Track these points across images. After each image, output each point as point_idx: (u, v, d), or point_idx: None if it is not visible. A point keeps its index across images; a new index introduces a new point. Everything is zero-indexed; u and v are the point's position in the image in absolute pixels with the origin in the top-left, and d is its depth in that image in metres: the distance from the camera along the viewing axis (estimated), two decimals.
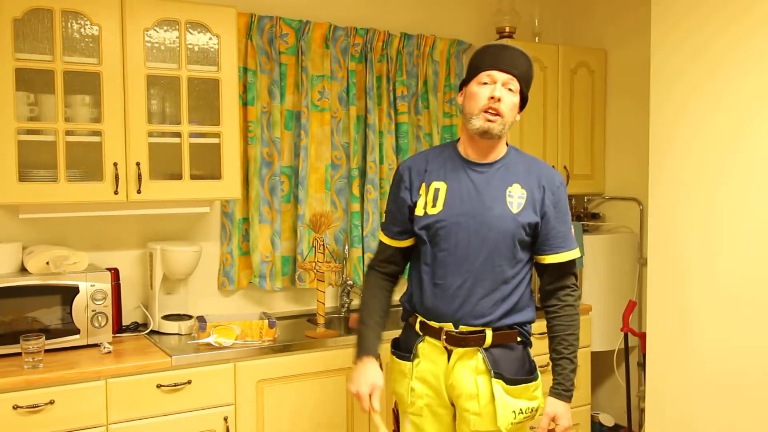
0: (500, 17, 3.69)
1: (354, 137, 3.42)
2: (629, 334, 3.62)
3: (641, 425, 3.60)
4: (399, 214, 2.25)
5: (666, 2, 2.81)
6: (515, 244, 2.13)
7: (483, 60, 2.12)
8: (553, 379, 2.18)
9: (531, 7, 3.91)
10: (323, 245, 3.01)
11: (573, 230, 2.23)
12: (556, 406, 2.15)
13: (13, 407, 2.32)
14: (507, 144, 2.23)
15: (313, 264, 2.98)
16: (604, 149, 3.95)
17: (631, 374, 3.79)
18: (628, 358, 3.68)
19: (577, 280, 2.24)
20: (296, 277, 3.33)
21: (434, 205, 2.16)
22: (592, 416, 3.70)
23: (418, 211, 2.19)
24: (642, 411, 3.64)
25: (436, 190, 2.17)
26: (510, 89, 2.10)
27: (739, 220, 2.61)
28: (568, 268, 2.21)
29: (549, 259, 2.19)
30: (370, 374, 2.15)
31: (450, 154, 2.22)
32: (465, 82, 2.18)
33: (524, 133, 3.62)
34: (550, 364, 2.22)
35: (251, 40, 3.15)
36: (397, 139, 3.55)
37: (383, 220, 2.37)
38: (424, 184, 2.20)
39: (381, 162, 3.48)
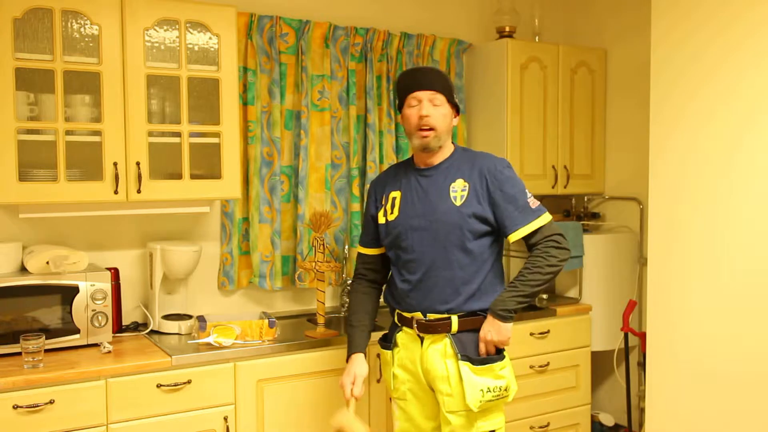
0: (500, 17, 3.69)
1: (354, 137, 3.42)
2: (629, 333, 3.62)
3: (641, 425, 3.60)
4: (369, 225, 2.55)
5: (666, 1, 2.80)
6: (464, 233, 2.32)
7: (406, 85, 2.37)
8: None
9: (531, 7, 3.91)
10: (323, 245, 3.01)
11: (531, 201, 2.35)
12: (482, 325, 2.33)
13: (13, 407, 2.32)
14: (454, 144, 2.46)
15: (313, 264, 2.98)
16: (605, 149, 3.95)
17: (631, 374, 3.79)
18: (628, 357, 3.68)
19: (561, 237, 2.34)
20: (296, 276, 3.33)
21: (392, 212, 2.43)
22: (592, 416, 3.71)
23: (380, 219, 2.47)
24: (642, 411, 3.64)
25: (393, 199, 2.45)
26: (436, 104, 2.32)
27: (739, 220, 2.61)
28: (542, 234, 2.34)
29: (514, 236, 2.35)
30: (354, 365, 2.45)
31: (406, 167, 2.49)
32: (400, 107, 2.42)
33: (524, 132, 3.62)
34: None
35: (251, 40, 3.15)
36: (397, 138, 3.55)
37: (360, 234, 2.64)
38: (384, 196, 2.48)
39: (381, 161, 3.48)
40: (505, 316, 2.30)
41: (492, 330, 2.31)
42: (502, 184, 2.33)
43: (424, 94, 2.31)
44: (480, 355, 2.33)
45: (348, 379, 2.42)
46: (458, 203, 2.33)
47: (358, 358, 2.46)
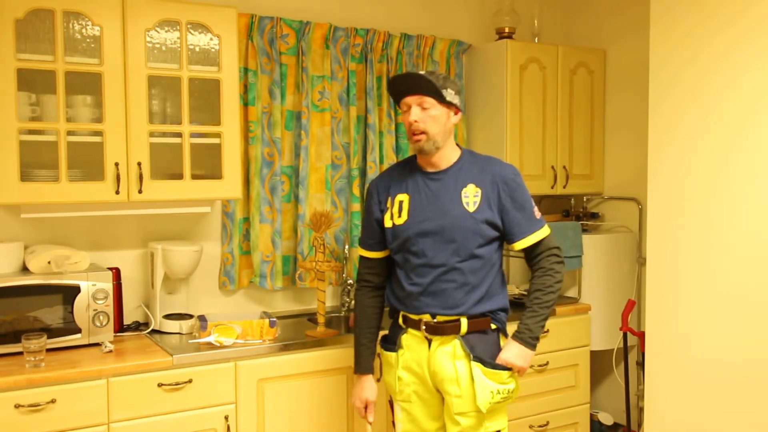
0: (500, 18, 3.70)
1: (354, 137, 3.43)
2: (628, 333, 3.63)
3: (640, 424, 3.61)
4: (372, 228, 2.49)
5: (665, 2, 2.81)
6: (477, 239, 2.33)
7: (394, 93, 2.37)
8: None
9: (531, 8, 3.92)
10: (323, 245, 3.02)
11: (537, 212, 2.40)
12: (508, 347, 2.35)
13: (15, 406, 2.33)
14: (461, 148, 2.44)
15: (314, 263, 2.99)
16: (603, 149, 3.96)
17: (630, 373, 3.80)
18: (627, 357, 3.69)
19: (559, 250, 2.40)
20: (297, 276, 3.34)
21: (400, 216, 2.39)
22: (591, 415, 3.71)
23: (387, 223, 2.43)
24: (641, 410, 3.65)
25: (401, 202, 2.40)
26: (425, 107, 2.30)
27: (737, 220, 2.62)
28: (545, 245, 2.39)
29: (519, 245, 2.38)
30: (364, 390, 2.50)
31: (410, 169, 2.45)
32: None
33: (524, 133, 3.63)
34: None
35: (252, 41, 3.16)
36: (397, 139, 3.56)
37: (360, 236, 2.57)
38: (389, 198, 2.44)
39: (381, 162, 3.49)
40: (534, 343, 2.35)
41: (512, 354, 2.33)
42: (513, 192, 2.35)
43: (412, 100, 2.31)
44: (490, 360, 2.35)
45: (360, 404, 2.50)
46: (471, 209, 2.32)
47: (368, 381, 2.50)
